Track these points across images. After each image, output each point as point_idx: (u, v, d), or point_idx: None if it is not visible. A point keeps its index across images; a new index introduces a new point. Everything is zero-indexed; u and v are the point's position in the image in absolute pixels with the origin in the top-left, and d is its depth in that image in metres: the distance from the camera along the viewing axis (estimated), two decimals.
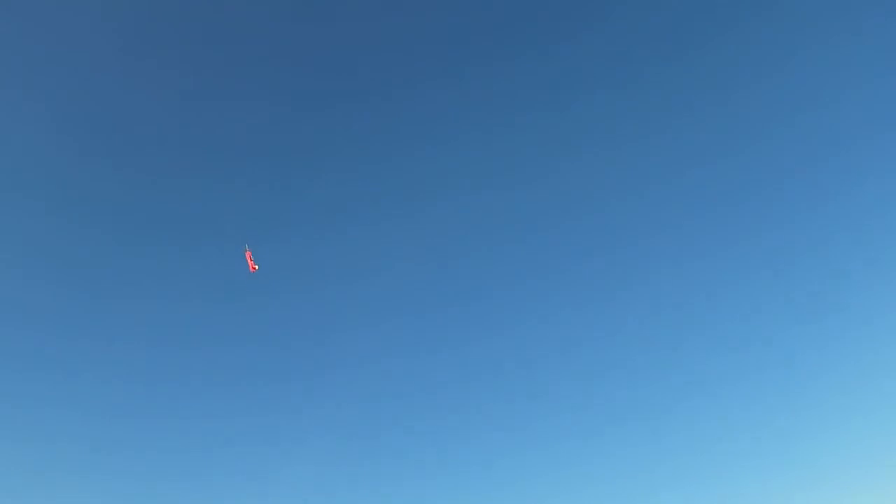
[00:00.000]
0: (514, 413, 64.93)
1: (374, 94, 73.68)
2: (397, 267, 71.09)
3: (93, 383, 64.46)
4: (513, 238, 72.82)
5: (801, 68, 69.09)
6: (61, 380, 63.72)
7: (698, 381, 64.08)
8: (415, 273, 71.18)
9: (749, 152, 69.82)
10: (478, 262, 72.35)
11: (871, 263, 64.24)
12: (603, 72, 72.91)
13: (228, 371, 66.86)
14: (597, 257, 71.08)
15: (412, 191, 73.70)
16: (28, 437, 60.10)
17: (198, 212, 71.09)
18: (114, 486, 58.12)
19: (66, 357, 64.72)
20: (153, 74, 70.76)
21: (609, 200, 72.66)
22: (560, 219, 72.61)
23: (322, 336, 69.13)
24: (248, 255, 49.71)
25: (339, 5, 73.14)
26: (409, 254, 71.62)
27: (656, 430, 61.97)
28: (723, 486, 57.41)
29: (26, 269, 66.72)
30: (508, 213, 72.74)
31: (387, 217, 73.37)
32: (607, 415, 63.85)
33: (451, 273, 72.37)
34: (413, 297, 71.57)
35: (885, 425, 56.86)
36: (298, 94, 73.32)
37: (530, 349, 68.38)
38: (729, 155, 70.24)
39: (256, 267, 49.64)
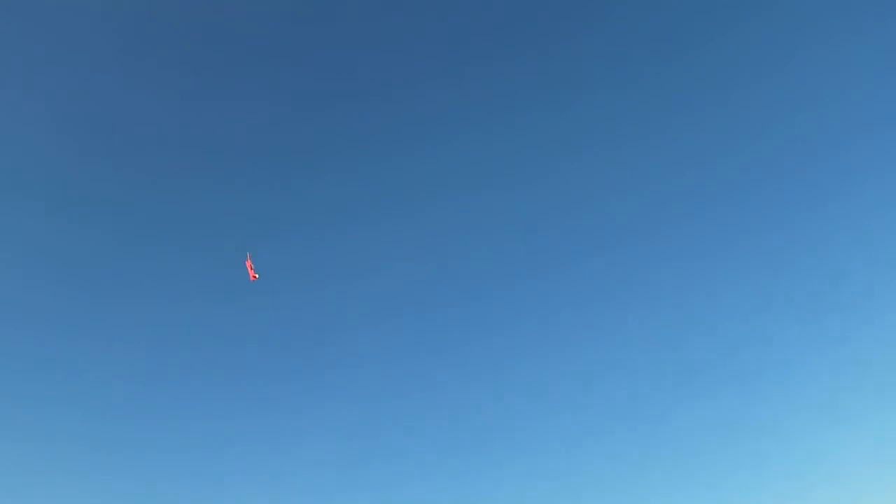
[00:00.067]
0: (514, 413, 64.97)
1: (374, 94, 73.82)
2: (397, 267, 71.33)
3: (93, 383, 64.65)
4: (513, 238, 72.90)
5: (801, 68, 69.33)
6: (61, 380, 63.88)
7: (698, 381, 64.28)
8: (415, 273, 71.43)
9: (749, 152, 70.00)
10: (478, 262, 72.41)
11: (871, 263, 64.38)
12: (603, 72, 73.14)
13: (228, 371, 66.99)
14: (597, 257, 71.16)
15: (412, 191, 73.83)
16: (28, 437, 60.29)
17: (198, 212, 71.24)
18: (114, 486, 58.31)
19: (66, 357, 64.88)
20: (153, 74, 70.97)
21: (609, 200, 72.77)
22: (560, 219, 72.69)
23: (322, 336, 69.23)
24: (248, 263, 49.77)
25: (339, 5, 73.38)
26: (409, 254, 71.88)
27: (656, 430, 62.19)
28: (723, 486, 57.59)
29: (26, 269, 66.89)
30: (508, 213, 72.87)
31: (387, 217, 73.49)
32: (607, 415, 63.98)
33: (451, 273, 72.43)
34: (413, 298, 71.66)
35: (885, 425, 56.93)
36: (298, 94, 73.48)
37: (530, 349, 68.44)
38: (729, 155, 70.45)
39: (257, 276, 49.63)
